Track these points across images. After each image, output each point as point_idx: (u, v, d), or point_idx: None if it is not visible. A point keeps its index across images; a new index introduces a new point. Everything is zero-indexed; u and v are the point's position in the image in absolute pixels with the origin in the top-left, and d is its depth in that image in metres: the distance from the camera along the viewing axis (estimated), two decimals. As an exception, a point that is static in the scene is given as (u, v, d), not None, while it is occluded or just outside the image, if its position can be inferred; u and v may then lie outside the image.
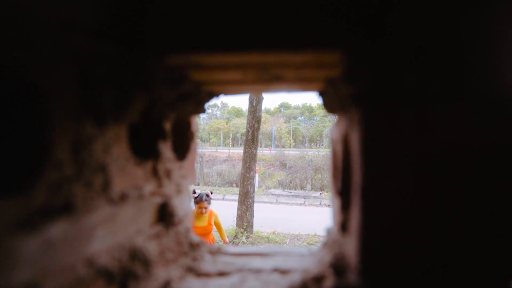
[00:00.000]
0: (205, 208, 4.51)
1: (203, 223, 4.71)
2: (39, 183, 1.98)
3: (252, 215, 12.07)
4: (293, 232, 12.40)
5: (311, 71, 1.68)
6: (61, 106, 2.68)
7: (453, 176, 1.11)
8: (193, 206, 4.75)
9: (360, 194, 1.28)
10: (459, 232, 1.13)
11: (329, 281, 2.65)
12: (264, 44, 1.32)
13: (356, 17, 1.18)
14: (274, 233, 12.37)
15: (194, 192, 4.61)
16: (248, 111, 12.88)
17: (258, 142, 12.72)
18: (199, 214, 4.55)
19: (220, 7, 1.29)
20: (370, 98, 1.18)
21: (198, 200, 4.59)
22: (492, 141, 1.09)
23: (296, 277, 2.29)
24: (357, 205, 1.41)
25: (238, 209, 12.12)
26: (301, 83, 2.97)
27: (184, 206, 1.96)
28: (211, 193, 4.69)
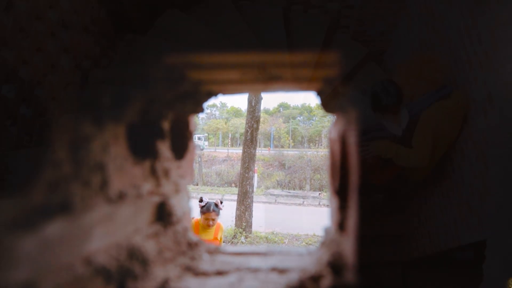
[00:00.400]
0: (213, 220, 3.93)
1: (209, 236, 4.23)
2: (39, 182, 1.95)
3: (251, 215, 12.09)
4: (292, 232, 12.43)
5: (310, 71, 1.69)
6: (62, 105, 2.66)
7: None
8: (198, 216, 4.40)
9: (358, 193, 1.29)
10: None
11: (327, 280, 2.64)
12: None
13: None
14: (272, 233, 12.40)
15: (201, 201, 4.09)
16: (247, 111, 12.92)
17: (257, 142, 12.76)
18: (206, 226, 4.00)
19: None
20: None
21: (205, 210, 3.99)
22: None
23: (294, 276, 2.29)
24: (355, 204, 1.42)
25: (237, 209, 12.14)
26: (300, 82, 2.96)
27: (182, 205, 1.96)
28: (221, 202, 4.08)
